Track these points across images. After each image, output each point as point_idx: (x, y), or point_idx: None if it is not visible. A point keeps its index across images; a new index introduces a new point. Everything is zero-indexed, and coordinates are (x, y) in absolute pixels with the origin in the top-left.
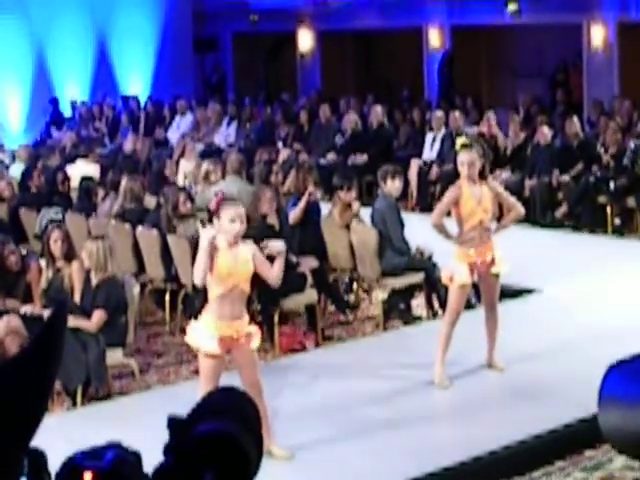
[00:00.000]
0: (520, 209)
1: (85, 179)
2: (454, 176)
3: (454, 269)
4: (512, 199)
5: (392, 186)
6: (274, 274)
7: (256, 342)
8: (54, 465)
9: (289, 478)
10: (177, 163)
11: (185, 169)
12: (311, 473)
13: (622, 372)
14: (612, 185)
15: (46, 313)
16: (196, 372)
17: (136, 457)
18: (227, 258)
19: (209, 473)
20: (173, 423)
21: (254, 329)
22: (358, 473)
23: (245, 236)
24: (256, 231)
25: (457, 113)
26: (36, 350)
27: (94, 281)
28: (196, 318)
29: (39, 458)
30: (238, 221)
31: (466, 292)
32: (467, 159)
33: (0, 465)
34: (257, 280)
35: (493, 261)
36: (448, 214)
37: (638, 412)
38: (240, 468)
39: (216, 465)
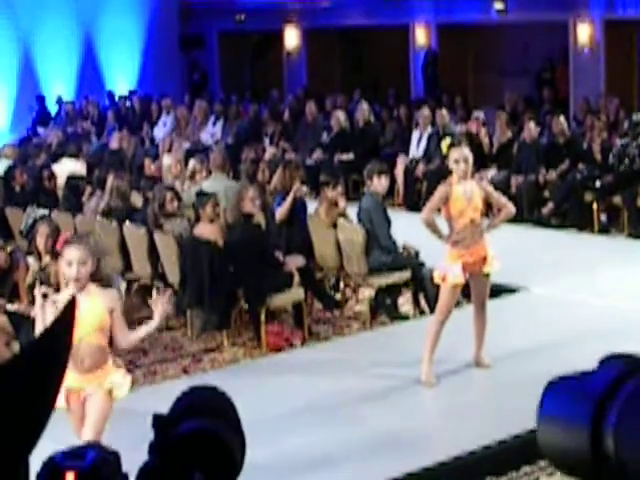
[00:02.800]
0: (511, 208)
1: (72, 177)
2: (441, 174)
3: (447, 269)
4: (503, 199)
5: (378, 184)
6: (129, 338)
7: (120, 393)
8: (35, 464)
9: (276, 473)
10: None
11: (164, 164)
12: (297, 469)
13: (560, 390)
14: (598, 183)
15: (32, 311)
16: (184, 370)
17: (115, 457)
18: None
19: (197, 472)
20: (158, 422)
21: (115, 381)
22: (344, 468)
23: (231, 237)
24: (241, 230)
25: (444, 111)
26: (44, 344)
27: None
28: (184, 315)
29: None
30: (75, 265)
31: (458, 292)
32: (462, 155)
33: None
34: (244, 278)
35: (485, 260)
36: (438, 211)
37: (574, 430)
38: (226, 466)
39: (203, 463)
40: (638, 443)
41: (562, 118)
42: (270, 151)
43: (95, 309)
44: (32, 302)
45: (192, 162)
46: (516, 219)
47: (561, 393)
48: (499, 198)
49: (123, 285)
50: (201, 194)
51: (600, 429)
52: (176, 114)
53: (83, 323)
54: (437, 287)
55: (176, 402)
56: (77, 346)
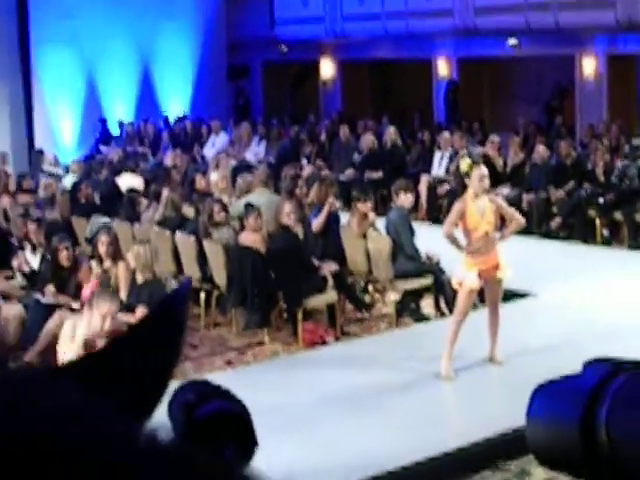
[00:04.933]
0: (520, 220)
1: (130, 191)
2: (459, 192)
3: (464, 275)
4: (512, 211)
5: (404, 199)
6: None
7: None
8: None
9: (310, 454)
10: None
11: (212, 179)
12: (329, 452)
13: (547, 393)
14: (601, 200)
15: None
16: (228, 363)
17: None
18: None
19: (231, 445)
20: (184, 407)
21: None
22: (369, 450)
23: (272, 245)
24: (281, 240)
25: (459, 134)
26: (161, 313)
27: (139, 280)
28: (230, 314)
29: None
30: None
31: (474, 296)
32: (480, 174)
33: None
34: (283, 282)
35: (497, 267)
36: (456, 225)
37: (565, 428)
38: (248, 441)
39: (229, 439)
40: (630, 436)
41: (569, 142)
42: (307, 169)
43: None
44: None
45: (238, 178)
46: (526, 231)
47: (550, 394)
48: (510, 211)
49: (175, 286)
50: (248, 206)
51: (591, 425)
52: (231, 135)
53: None
54: (455, 292)
55: (186, 391)
56: None
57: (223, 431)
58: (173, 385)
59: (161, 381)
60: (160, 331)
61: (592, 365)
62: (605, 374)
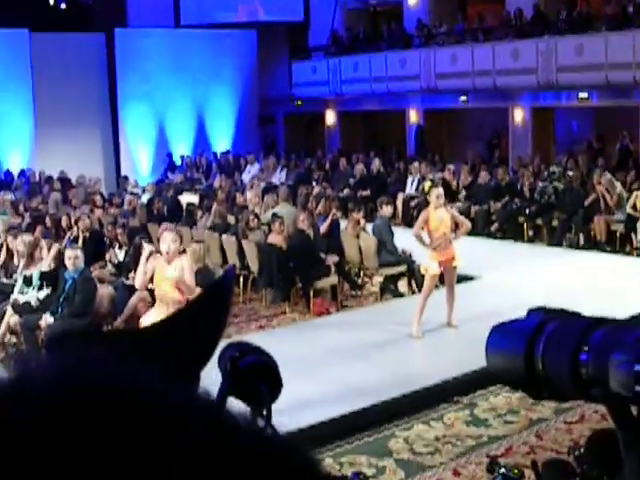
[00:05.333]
0: (468, 224)
1: (189, 205)
2: (425, 205)
3: (429, 264)
4: (463, 218)
5: (386, 210)
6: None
7: None
8: None
9: (319, 391)
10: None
11: (248, 197)
12: (331, 388)
13: (501, 331)
14: (527, 210)
15: None
16: (260, 327)
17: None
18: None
19: (262, 388)
20: (231, 358)
21: None
22: (361, 387)
23: (291, 243)
24: (297, 239)
25: (425, 164)
26: (211, 294)
27: (195, 269)
28: (261, 292)
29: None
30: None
31: (436, 279)
32: (437, 193)
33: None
34: (299, 269)
35: (453, 258)
36: (423, 228)
37: (514, 358)
38: (276, 385)
39: (263, 383)
40: (556, 364)
41: (504, 169)
42: (316, 189)
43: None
44: None
45: (267, 195)
46: (473, 233)
47: (502, 333)
48: (461, 218)
49: (221, 273)
50: (274, 215)
51: (531, 357)
52: (261, 164)
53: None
54: (423, 276)
55: (230, 349)
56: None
57: (258, 376)
58: (221, 344)
59: (211, 344)
60: (212, 306)
61: (534, 311)
62: (542, 319)
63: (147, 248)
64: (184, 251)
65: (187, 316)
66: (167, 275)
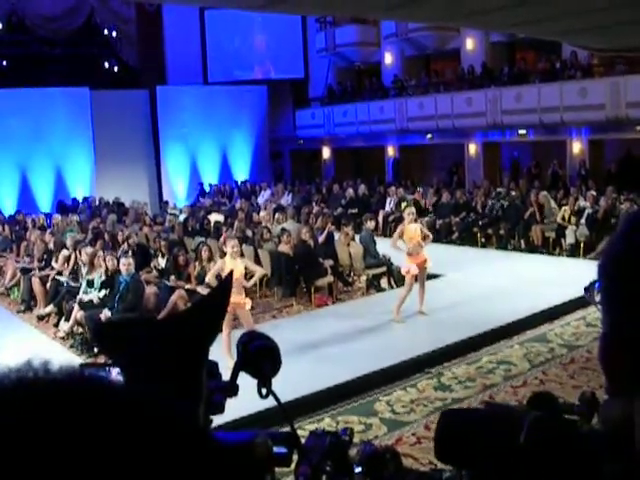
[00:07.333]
0: (431, 236)
1: (216, 222)
2: (400, 220)
3: (409, 267)
4: (427, 231)
5: (370, 224)
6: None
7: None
8: None
9: (318, 364)
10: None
11: (262, 215)
12: (330, 362)
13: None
14: (480, 222)
15: (199, 288)
16: (273, 317)
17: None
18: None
19: (265, 364)
20: (242, 343)
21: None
22: (353, 364)
23: (296, 251)
24: (301, 248)
25: (401, 189)
26: (208, 300)
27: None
28: (271, 290)
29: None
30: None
31: (414, 278)
32: (410, 211)
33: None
34: (303, 271)
35: (425, 261)
36: (400, 238)
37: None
38: (277, 362)
39: (266, 361)
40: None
41: (463, 191)
42: (316, 209)
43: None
44: (199, 283)
45: (276, 214)
46: (438, 241)
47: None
48: (425, 231)
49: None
50: (282, 230)
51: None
52: (272, 190)
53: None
54: (403, 276)
55: (244, 336)
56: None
57: (264, 356)
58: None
59: (213, 328)
60: (214, 303)
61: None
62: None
63: (219, 262)
64: (212, 258)
65: (198, 308)
66: (238, 267)
